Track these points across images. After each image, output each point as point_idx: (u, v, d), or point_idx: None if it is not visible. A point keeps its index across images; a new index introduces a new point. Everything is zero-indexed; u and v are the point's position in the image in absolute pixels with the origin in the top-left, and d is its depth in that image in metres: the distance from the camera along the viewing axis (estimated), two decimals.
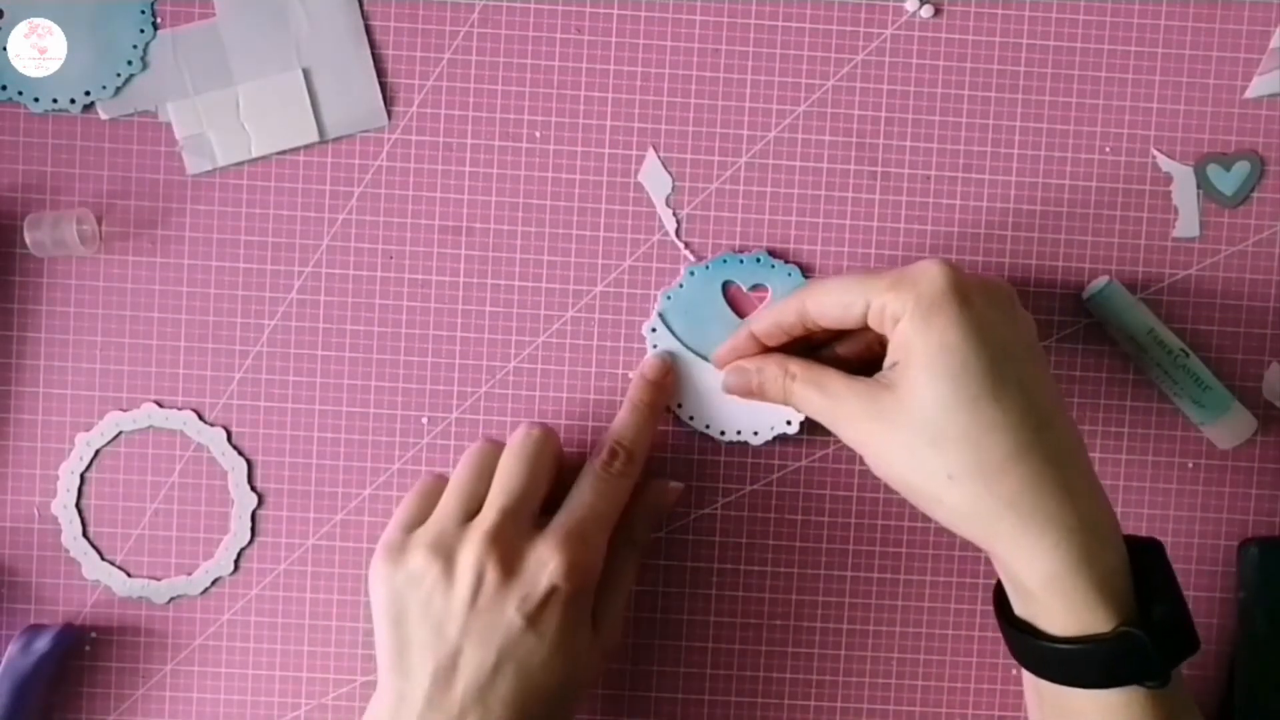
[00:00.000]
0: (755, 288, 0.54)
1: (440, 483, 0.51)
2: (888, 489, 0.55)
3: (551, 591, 0.47)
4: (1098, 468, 0.54)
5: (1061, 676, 0.44)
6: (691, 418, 0.54)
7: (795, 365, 0.49)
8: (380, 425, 0.54)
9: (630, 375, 0.54)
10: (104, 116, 0.53)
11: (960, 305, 0.44)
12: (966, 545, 0.55)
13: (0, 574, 0.54)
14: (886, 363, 0.46)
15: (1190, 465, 0.55)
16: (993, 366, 0.44)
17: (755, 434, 0.54)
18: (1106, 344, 0.54)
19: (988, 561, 0.55)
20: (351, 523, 0.54)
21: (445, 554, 0.47)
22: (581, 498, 0.50)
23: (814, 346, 0.51)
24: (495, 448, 0.50)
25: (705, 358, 0.53)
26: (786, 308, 0.49)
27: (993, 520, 0.44)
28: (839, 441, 0.54)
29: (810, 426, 0.54)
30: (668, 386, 0.53)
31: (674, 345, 0.53)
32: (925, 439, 0.44)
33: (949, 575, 0.55)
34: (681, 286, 0.54)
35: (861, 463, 0.54)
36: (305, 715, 0.55)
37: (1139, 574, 0.44)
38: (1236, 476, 0.55)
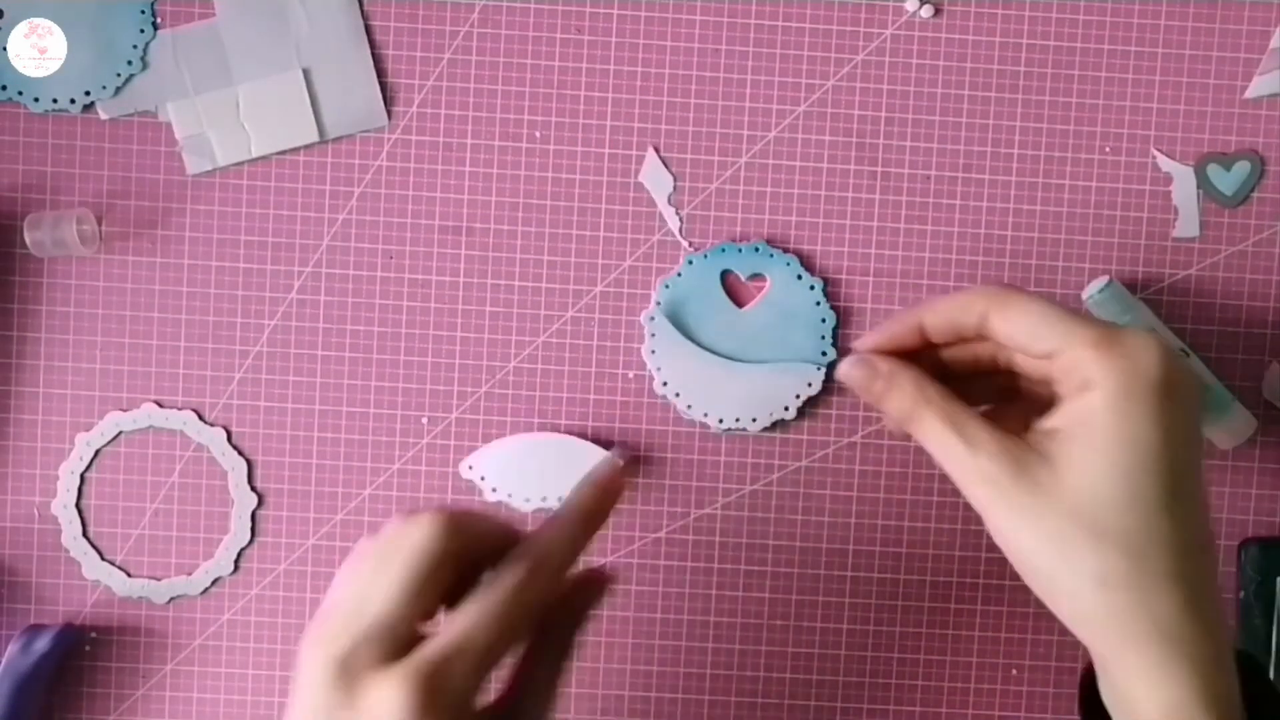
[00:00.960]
0: (754, 277, 0.54)
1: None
2: (888, 489, 0.55)
3: None
4: None
5: None
6: (690, 406, 0.54)
7: (935, 391, 0.43)
8: (380, 425, 0.54)
9: (630, 375, 0.54)
10: (104, 116, 0.53)
11: (1168, 400, 0.39)
12: (966, 545, 0.55)
13: (0, 574, 0.54)
14: (1045, 422, 0.41)
15: None
16: (1177, 476, 0.39)
17: (754, 420, 0.54)
18: None
19: (988, 562, 0.55)
20: (351, 523, 0.54)
21: (299, 674, 0.41)
22: (464, 621, 0.40)
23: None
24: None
25: (703, 346, 0.53)
26: (968, 305, 0.43)
27: (1132, 637, 0.39)
28: (839, 441, 0.54)
29: (808, 414, 0.54)
30: (613, 492, 0.44)
31: (672, 334, 0.53)
32: (1085, 531, 0.39)
33: (949, 575, 0.55)
34: (680, 276, 0.54)
35: (862, 463, 0.54)
36: None
37: (1246, 700, 0.40)
38: (1236, 476, 0.55)
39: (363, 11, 0.53)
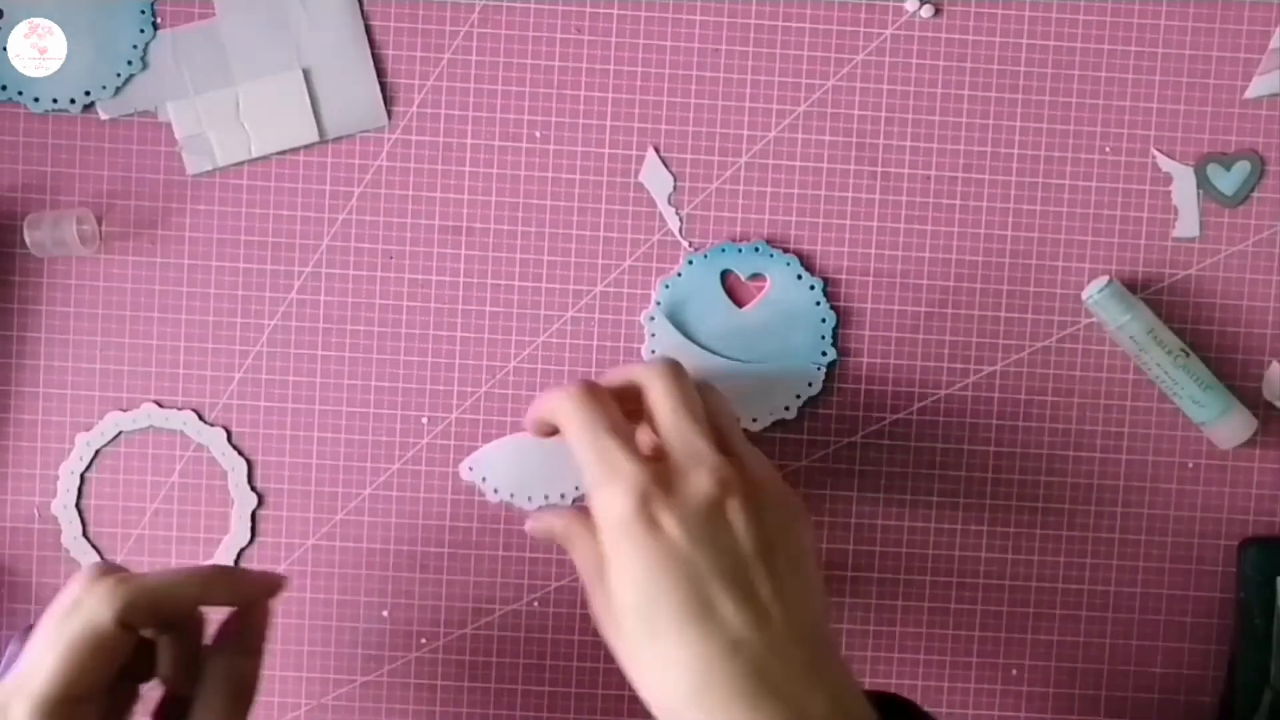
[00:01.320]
0: (754, 277, 0.54)
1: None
2: (888, 489, 0.55)
3: None
4: (1098, 468, 0.54)
5: None
6: None
7: (576, 523, 0.46)
8: (380, 425, 0.54)
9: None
10: (104, 116, 0.53)
11: (644, 532, 0.42)
12: (966, 545, 0.55)
13: (0, 574, 0.54)
14: None
15: (1190, 465, 0.55)
16: (679, 598, 0.41)
17: (754, 420, 0.54)
18: (1106, 344, 0.54)
19: (988, 562, 0.55)
20: (351, 523, 0.54)
21: None
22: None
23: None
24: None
25: (703, 346, 0.53)
26: (552, 404, 0.46)
27: None
28: (839, 441, 0.55)
29: (808, 414, 0.54)
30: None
31: (672, 334, 0.53)
32: (629, 660, 0.43)
33: (949, 575, 0.55)
34: (680, 276, 0.54)
35: (862, 463, 0.54)
36: (305, 715, 0.55)
37: None
38: (1236, 476, 0.55)
39: (363, 11, 0.53)
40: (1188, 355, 0.53)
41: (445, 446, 0.54)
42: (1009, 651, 0.55)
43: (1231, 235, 0.54)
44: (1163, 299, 0.54)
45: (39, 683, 0.40)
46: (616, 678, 0.55)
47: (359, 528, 0.54)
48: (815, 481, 0.55)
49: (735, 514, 0.43)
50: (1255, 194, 0.54)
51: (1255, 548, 0.54)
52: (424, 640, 0.55)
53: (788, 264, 0.54)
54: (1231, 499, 0.55)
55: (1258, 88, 0.54)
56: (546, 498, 0.54)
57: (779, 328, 0.54)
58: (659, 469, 0.43)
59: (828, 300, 0.54)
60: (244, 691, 0.44)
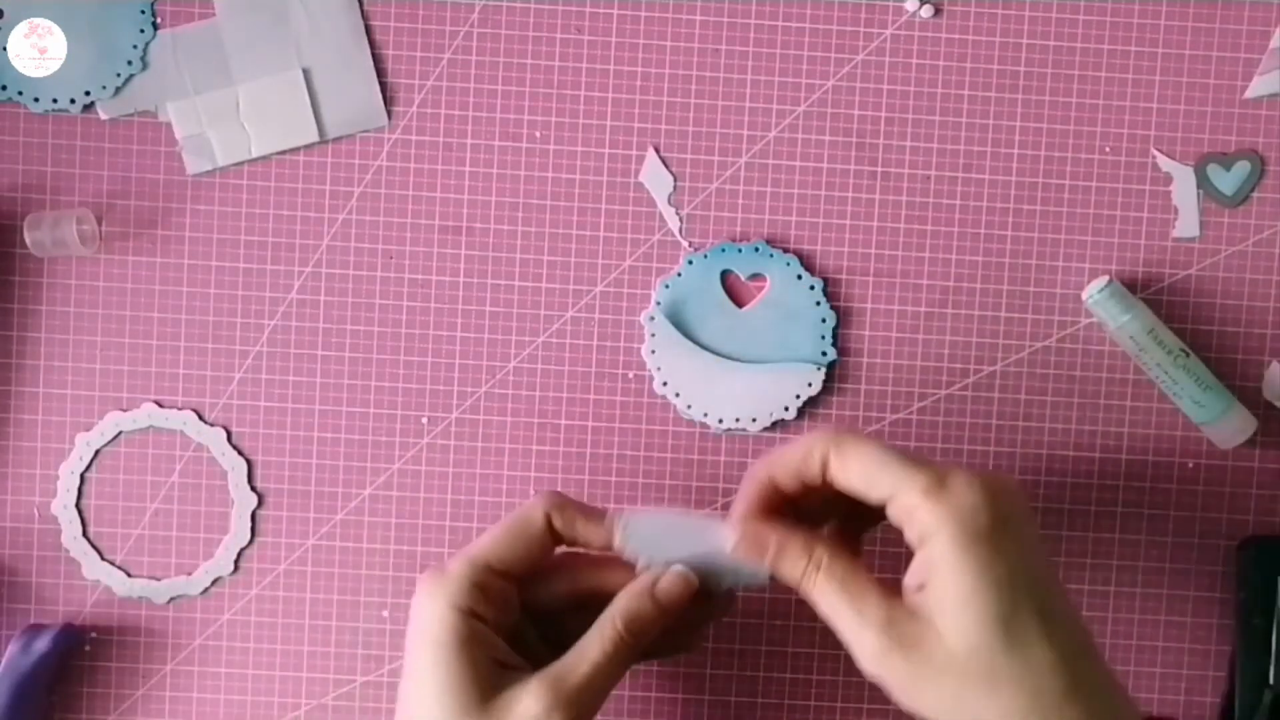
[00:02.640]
0: (754, 277, 0.54)
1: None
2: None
3: None
4: (1098, 468, 0.54)
5: None
6: (690, 406, 0.54)
7: (823, 551, 0.43)
8: (380, 425, 0.54)
9: (630, 375, 0.54)
10: (104, 116, 0.53)
11: (1004, 536, 0.40)
12: None
13: (0, 574, 0.54)
14: (911, 578, 0.42)
15: (1190, 465, 0.55)
16: (1039, 599, 0.41)
17: (754, 420, 0.54)
18: (1106, 344, 0.54)
19: None
20: (351, 523, 0.54)
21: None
22: (594, 653, 0.45)
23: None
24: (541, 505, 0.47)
25: (703, 346, 0.53)
26: (809, 453, 0.44)
27: None
28: None
29: (808, 414, 0.54)
30: (675, 608, 0.46)
31: (672, 334, 0.53)
32: (978, 685, 0.40)
33: None
34: (680, 276, 0.54)
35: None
36: (305, 715, 0.55)
37: None
38: (1236, 476, 0.55)
39: (363, 11, 0.53)
40: (1188, 355, 0.53)
41: (445, 446, 0.54)
42: None
43: (1231, 235, 0.54)
44: (1163, 299, 0.54)
45: (474, 547, 0.46)
46: None
47: (359, 528, 0.54)
48: None
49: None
50: (1255, 194, 0.54)
51: (1255, 548, 0.54)
52: None
53: (788, 264, 0.54)
54: (1231, 499, 0.55)
55: (1258, 88, 0.54)
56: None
57: (779, 328, 0.54)
58: (987, 477, 0.42)
59: (828, 300, 0.54)
60: (640, 631, 0.46)
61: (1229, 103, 0.54)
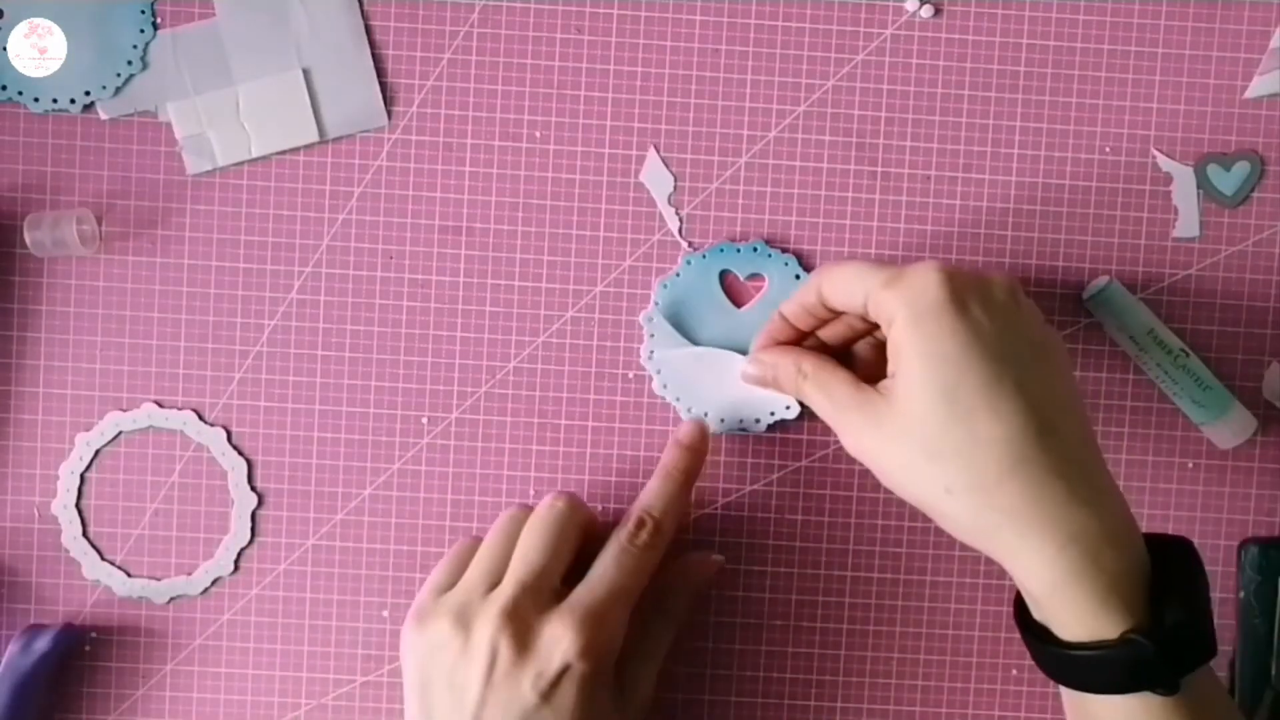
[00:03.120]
0: (752, 277, 0.54)
1: (474, 546, 0.50)
2: (888, 489, 0.55)
3: (565, 669, 0.46)
4: None
5: (1075, 682, 0.44)
6: (690, 409, 0.54)
7: (808, 363, 0.49)
8: (380, 425, 0.54)
9: (630, 375, 0.54)
10: (104, 116, 0.53)
11: (956, 313, 0.43)
12: (966, 546, 0.55)
13: (0, 574, 0.54)
14: (889, 367, 0.46)
15: (1190, 465, 0.55)
16: (989, 376, 0.43)
17: (757, 421, 0.54)
18: (1106, 344, 0.54)
19: (988, 562, 0.55)
20: (351, 523, 0.54)
21: (465, 625, 0.47)
22: (603, 571, 0.48)
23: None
24: (525, 514, 0.50)
25: (702, 346, 0.53)
26: (809, 287, 0.48)
27: (992, 533, 0.44)
28: (839, 441, 0.54)
29: (808, 414, 0.54)
30: (703, 452, 0.52)
31: (670, 334, 0.53)
32: (921, 453, 0.44)
33: (949, 575, 0.55)
34: (679, 276, 0.54)
35: (862, 463, 0.54)
36: (305, 715, 0.55)
37: (1161, 575, 0.43)
38: (1236, 476, 0.55)
39: (363, 11, 0.53)
40: (1188, 355, 0.53)
41: (445, 446, 0.54)
42: (1009, 652, 0.55)
43: (1231, 235, 0.54)
44: (1163, 299, 0.54)
45: (534, 565, 0.48)
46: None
47: (359, 528, 0.54)
48: (815, 482, 0.55)
49: (1027, 313, 0.45)
50: (1255, 194, 0.54)
51: (1255, 548, 0.54)
52: None
53: (785, 264, 0.54)
54: (1231, 499, 0.55)
55: (1258, 88, 0.54)
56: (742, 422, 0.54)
57: None
58: (957, 268, 0.45)
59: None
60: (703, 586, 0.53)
61: (1229, 103, 0.54)
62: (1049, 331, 0.46)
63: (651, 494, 0.50)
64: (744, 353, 0.53)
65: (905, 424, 0.44)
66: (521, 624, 0.47)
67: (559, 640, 0.46)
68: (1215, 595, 0.55)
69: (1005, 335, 0.44)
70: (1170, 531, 0.55)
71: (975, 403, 0.43)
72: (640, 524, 0.49)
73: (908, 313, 0.44)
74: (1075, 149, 0.54)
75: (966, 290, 0.44)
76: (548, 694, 0.46)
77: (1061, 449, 0.43)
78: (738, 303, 0.54)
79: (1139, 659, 0.42)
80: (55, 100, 0.53)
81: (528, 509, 0.50)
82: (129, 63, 0.53)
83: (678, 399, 0.54)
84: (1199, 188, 0.54)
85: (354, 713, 0.55)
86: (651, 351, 0.54)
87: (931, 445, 0.44)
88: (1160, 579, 0.43)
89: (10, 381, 0.54)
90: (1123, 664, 0.42)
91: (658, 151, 0.54)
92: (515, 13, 0.53)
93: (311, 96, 0.53)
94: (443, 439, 0.54)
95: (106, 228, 0.53)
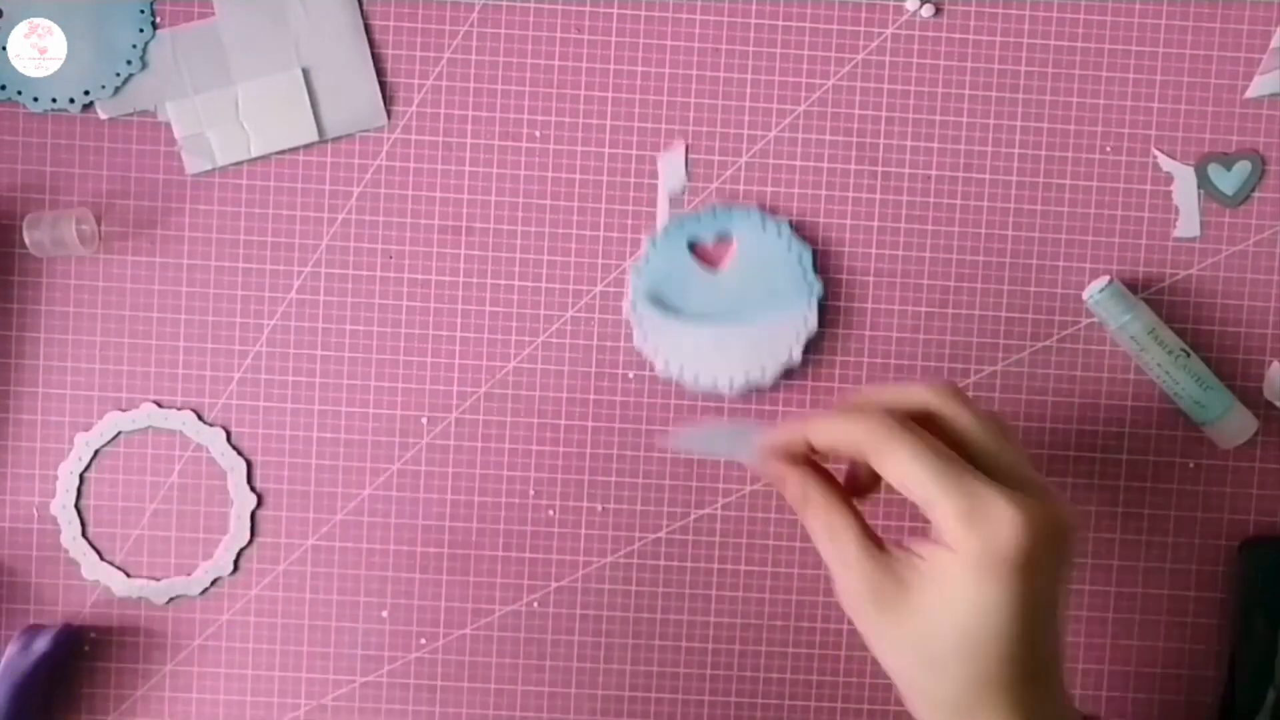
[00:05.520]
0: (720, 239, 0.54)
1: None
2: (888, 489, 0.55)
3: None
4: (1098, 468, 0.54)
5: None
6: (697, 378, 0.53)
7: (816, 492, 0.45)
8: (380, 425, 0.54)
9: (630, 375, 0.54)
10: (103, 116, 0.53)
11: (1023, 574, 0.41)
12: None
13: (0, 574, 0.54)
14: (917, 544, 0.43)
15: (1191, 465, 0.55)
16: (1022, 634, 0.41)
17: (763, 372, 0.54)
18: (1107, 344, 0.54)
19: None
20: (351, 523, 0.54)
21: None
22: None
23: None
24: None
25: (693, 318, 0.53)
26: (853, 444, 0.44)
27: None
28: None
29: (811, 359, 0.54)
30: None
31: (659, 317, 0.53)
32: (925, 664, 0.42)
33: None
34: (647, 259, 0.54)
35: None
36: (305, 715, 0.55)
37: None
38: (1237, 476, 0.55)
39: (362, 11, 0.53)
40: (1188, 355, 0.53)
41: (445, 446, 0.54)
42: None
43: (1232, 235, 0.54)
44: (1163, 299, 0.54)
45: None
46: (615, 678, 0.55)
47: (359, 528, 0.54)
48: None
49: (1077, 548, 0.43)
50: (1256, 194, 0.54)
51: (1256, 548, 0.54)
52: (424, 640, 0.55)
53: (748, 215, 0.53)
54: (1232, 499, 0.55)
55: (1258, 87, 0.54)
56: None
57: (759, 277, 0.54)
58: (1038, 514, 0.41)
59: (797, 236, 0.53)
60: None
61: (1230, 102, 0.54)
62: (1067, 570, 0.44)
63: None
64: (733, 320, 0.53)
65: (920, 633, 0.42)
66: None
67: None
68: (1215, 595, 0.55)
69: (1051, 592, 0.42)
70: (1171, 532, 0.55)
71: (999, 658, 0.41)
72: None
73: (975, 559, 0.41)
74: (1076, 149, 0.54)
75: (1042, 547, 0.41)
76: None
77: (1041, 678, 0.42)
78: (714, 266, 0.54)
79: None
80: (55, 100, 0.53)
81: None
82: (128, 62, 0.53)
83: (682, 372, 0.53)
84: (1200, 187, 0.54)
85: (354, 713, 0.55)
86: (646, 338, 0.54)
87: (939, 663, 0.42)
88: None
89: (10, 381, 0.54)
90: None
91: (687, 152, 0.54)
92: (515, 12, 0.53)
93: (311, 96, 0.53)
94: (443, 439, 0.54)
95: (106, 228, 0.53)
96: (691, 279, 0.54)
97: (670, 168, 0.54)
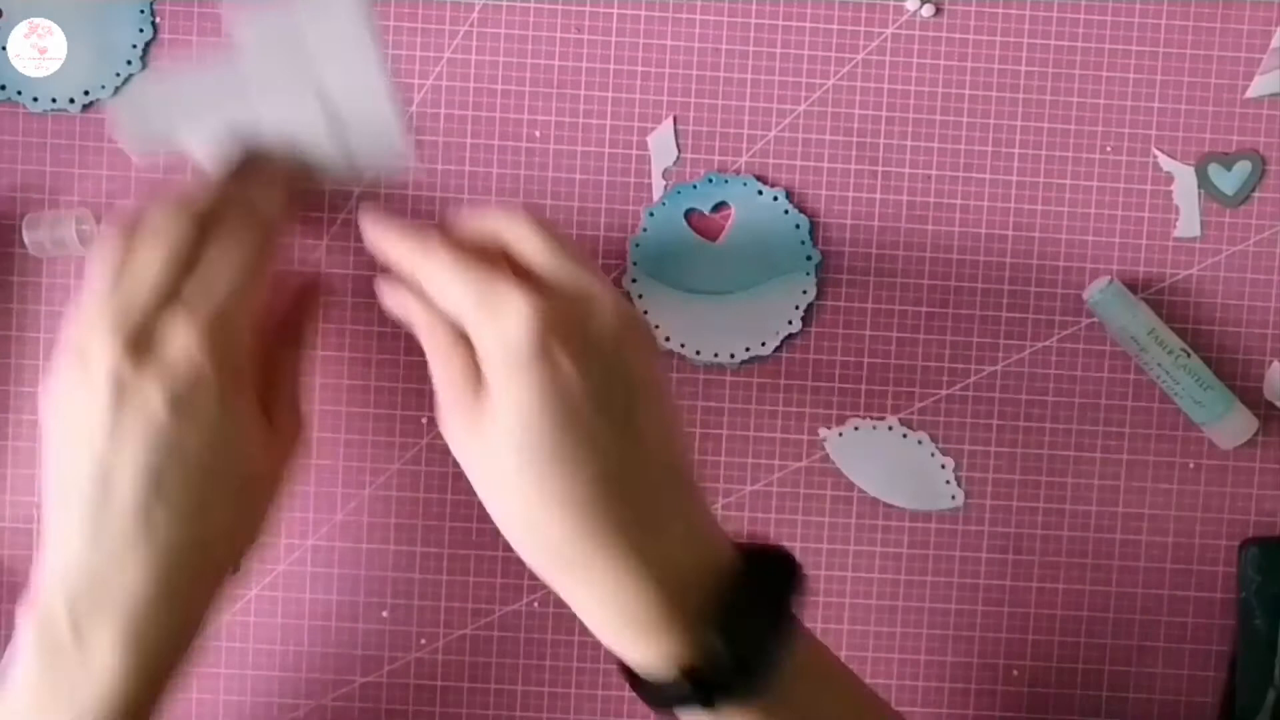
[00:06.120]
0: (717, 208, 0.54)
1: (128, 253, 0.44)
2: None
3: (198, 377, 0.42)
4: (1099, 468, 0.54)
5: (650, 703, 0.44)
6: (698, 352, 0.53)
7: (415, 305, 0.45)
8: (380, 425, 0.54)
9: None
10: (104, 116, 0.53)
11: (543, 370, 0.41)
12: (967, 546, 0.55)
13: (0, 574, 0.54)
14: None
15: (1191, 465, 0.55)
16: (562, 434, 0.41)
17: (763, 344, 0.54)
18: (1107, 344, 0.54)
19: (988, 563, 0.55)
20: (351, 523, 0.54)
21: (83, 354, 0.42)
22: (218, 269, 0.43)
23: None
24: (189, 210, 0.45)
25: (692, 290, 0.53)
26: (401, 254, 0.45)
27: (549, 573, 0.43)
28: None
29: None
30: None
31: (658, 289, 0.53)
32: (493, 483, 0.43)
33: (949, 576, 0.55)
34: (646, 230, 0.54)
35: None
36: (305, 715, 0.55)
37: (730, 598, 0.42)
38: (1237, 476, 0.55)
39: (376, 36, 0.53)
40: (1189, 355, 0.53)
41: (445, 446, 0.54)
42: (1010, 652, 0.55)
43: (1232, 235, 0.54)
44: (1164, 299, 0.54)
45: (214, 291, 0.44)
46: (616, 678, 0.55)
47: (359, 528, 0.54)
48: (815, 482, 0.54)
49: (629, 349, 0.43)
50: (1256, 194, 0.54)
51: (1256, 548, 0.54)
52: (424, 640, 0.55)
53: (744, 184, 0.53)
54: (1232, 499, 0.55)
55: (1259, 87, 0.54)
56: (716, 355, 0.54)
57: (758, 247, 0.54)
58: (554, 301, 0.42)
59: (794, 205, 0.53)
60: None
61: (1230, 102, 0.54)
62: (651, 364, 0.44)
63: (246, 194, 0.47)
64: (732, 291, 0.53)
65: (485, 447, 0.42)
66: (137, 328, 0.42)
67: (181, 338, 0.42)
68: (1215, 595, 0.55)
69: (592, 384, 0.41)
70: (1171, 532, 0.55)
71: (547, 459, 0.41)
72: (237, 218, 0.45)
73: (498, 355, 0.41)
74: (1076, 148, 0.54)
75: (559, 335, 0.41)
76: (182, 406, 0.41)
77: (623, 493, 0.42)
78: (711, 237, 0.54)
79: (677, 689, 0.42)
80: (55, 100, 0.53)
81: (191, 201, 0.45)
82: (129, 63, 0.53)
83: (683, 346, 0.53)
84: (1200, 187, 0.54)
85: (354, 713, 0.55)
86: (645, 311, 0.54)
87: (504, 484, 0.42)
88: (726, 602, 0.42)
89: (9, 381, 0.54)
90: (662, 692, 0.42)
91: (674, 124, 0.54)
92: (515, 12, 0.53)
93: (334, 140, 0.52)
94: (442, 439, 0.54)
95: (106, 228, 0.53)
96: (690, 250, 0.54)
97: (661, 145, 0.54)
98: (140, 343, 0.42)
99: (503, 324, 0.41)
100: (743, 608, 0.43)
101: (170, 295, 0.43)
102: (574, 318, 0.42)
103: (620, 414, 0.42)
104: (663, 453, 0.43)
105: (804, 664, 0.44)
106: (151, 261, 0.43)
